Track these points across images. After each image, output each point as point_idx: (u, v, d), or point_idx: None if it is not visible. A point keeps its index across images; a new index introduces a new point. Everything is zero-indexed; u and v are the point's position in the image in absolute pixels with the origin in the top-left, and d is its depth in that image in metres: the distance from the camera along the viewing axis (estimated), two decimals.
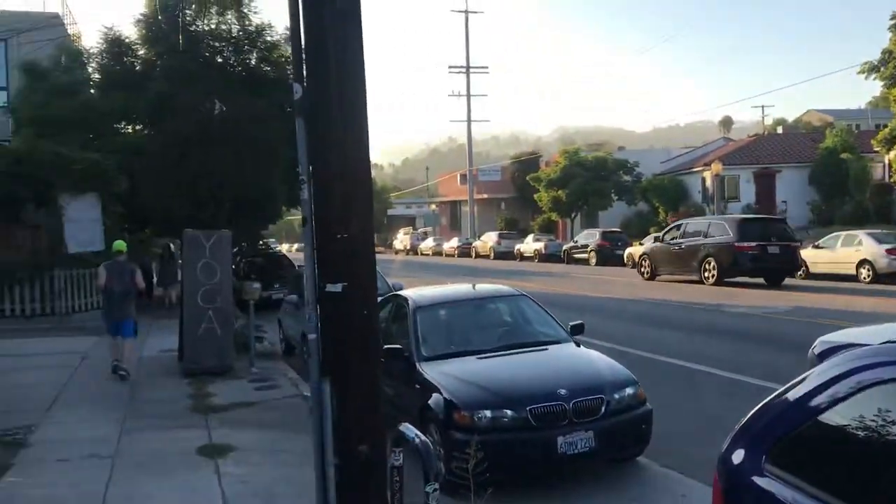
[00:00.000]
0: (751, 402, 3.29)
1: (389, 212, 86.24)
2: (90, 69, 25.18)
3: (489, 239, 48.97)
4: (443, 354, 7.76)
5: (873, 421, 2.77)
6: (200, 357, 11.44)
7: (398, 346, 7.94)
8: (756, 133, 57.59)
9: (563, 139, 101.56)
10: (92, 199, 18.98)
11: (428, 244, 59.81)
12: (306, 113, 5.12)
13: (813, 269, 24.27)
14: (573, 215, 46.25)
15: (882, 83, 21.68)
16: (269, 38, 23.51)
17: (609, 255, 36.02)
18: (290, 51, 20.65)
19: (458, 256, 51.06)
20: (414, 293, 9.15)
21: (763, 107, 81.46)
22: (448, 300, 8.86)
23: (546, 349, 7.88)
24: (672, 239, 25.10)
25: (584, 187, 43.00)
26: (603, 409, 6.75)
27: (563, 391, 6.70)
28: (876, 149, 25.47)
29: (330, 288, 4.99)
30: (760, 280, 22.46)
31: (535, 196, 47.41)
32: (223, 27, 23.51)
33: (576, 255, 38.48)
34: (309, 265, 5.14)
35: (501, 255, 46.08)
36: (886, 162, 30.68)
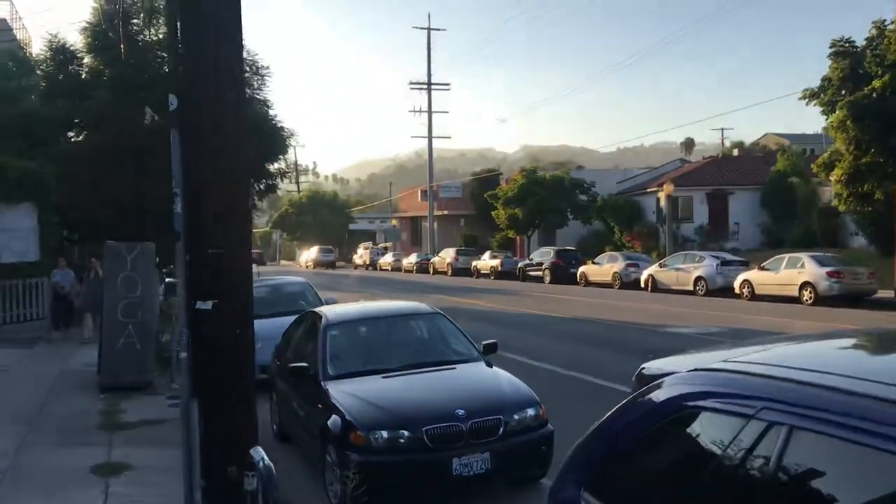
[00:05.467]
0: None
1: (351, 226, 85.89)
2: (37, 76, 24.76)
3: (447, 255, 48.91)
4: (349, 373, 7.63)
5: (673, 448, 2.74)
6: (118, 372, 11.18)
7: (304, 364, 7.82)
8: (712, 155, 58.44)
9: (529, 157, 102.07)
10: (28, 209, 18.54)
11: (387, 259, 59.59)
12: (182, 124, 5.03)
13: (758, 291, 24.53)
14: (530, 233, 46.43)
15: (821, 109, 22.13)
16: None
17: (563, 273, 36.17)
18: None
19: (417, 272, 50.93)
20: (328, 310, 9.03)
21: (722, 129, 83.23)
22: (361, 317, 8.76)
23: (454, 368, 7.79)
24: None
25: (541, 206, 43.18)
26: (501, 429, 6.68)
27: (461, 411, 6.62)
28: (815, 171, 25.90)
29: (200, 305, 4.87)
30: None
31: (493, 213, 47.54)
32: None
33: (531, 273, 38.59)
34: (181, 281, 5.02)
35: (459, 271, 46.07)
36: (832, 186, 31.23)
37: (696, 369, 2.78)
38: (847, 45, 21.86)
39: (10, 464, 7.44)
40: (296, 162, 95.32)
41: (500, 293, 30.33)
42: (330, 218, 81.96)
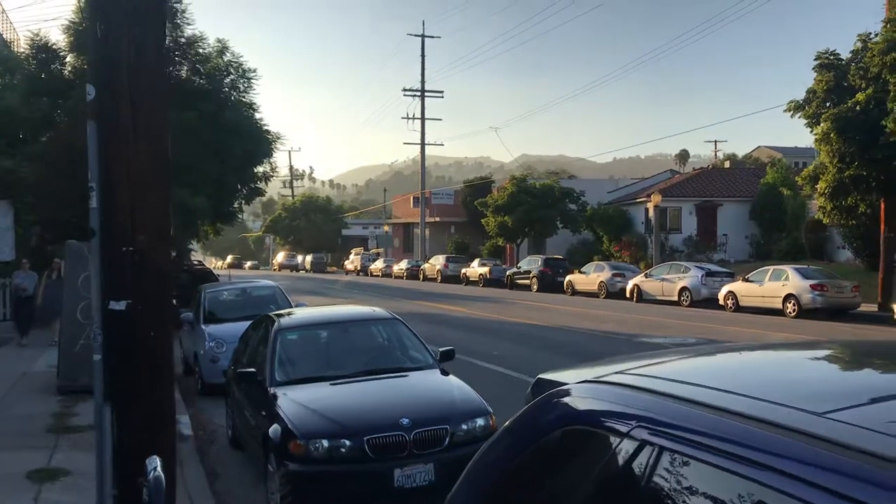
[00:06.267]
0: None
1: (344, 232, 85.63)
2: (21, 74, 24.53)
3: (437, 262, 48.77)
4: (297, 379, 7.42)
5: (552, 467, 2.53)
6: (76, 374, 10.92)
7: (251, 370, 7.62)
8: (703, 167, 58.38)
9: (526, 167, 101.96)
10: (3, 207, 18.35)
11: (378, 265, 59.38)
12: (98, 114, 4.82)
13: (742, 303, 24.36)
14: (519, 241, 46.25)
15: (805, 121, 21.99)
16: (201, 51, 23.19)
17: (551, 281, 36.00)
18: (223, 62, 19.99)
19: (407, 278, 50.76)
20: (284, 314, 8.83)
21: (715, 141, 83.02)
22: (315, 322, 8.56)
23: (406, 376, 7.58)
24: None
25: (530, 214, 43.00)
26: (447, 440, 6.47)
27: (405, 421, 6.41)
28: (800, 184, 25.77)
29: (113, 305, 4.65)
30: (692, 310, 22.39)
31: (483, 221, 47.36)
32: None
33: (518, 281, 38.41)
34: (96, 281, 4.82)
35: (449, 278, 45.91)
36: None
37: (583, 381, 2.58)
38: (832, 57, 21.77)
39: None
40: (290, 167, 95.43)
41: (485, 301, 30.11)
42: (323, 223, 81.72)
